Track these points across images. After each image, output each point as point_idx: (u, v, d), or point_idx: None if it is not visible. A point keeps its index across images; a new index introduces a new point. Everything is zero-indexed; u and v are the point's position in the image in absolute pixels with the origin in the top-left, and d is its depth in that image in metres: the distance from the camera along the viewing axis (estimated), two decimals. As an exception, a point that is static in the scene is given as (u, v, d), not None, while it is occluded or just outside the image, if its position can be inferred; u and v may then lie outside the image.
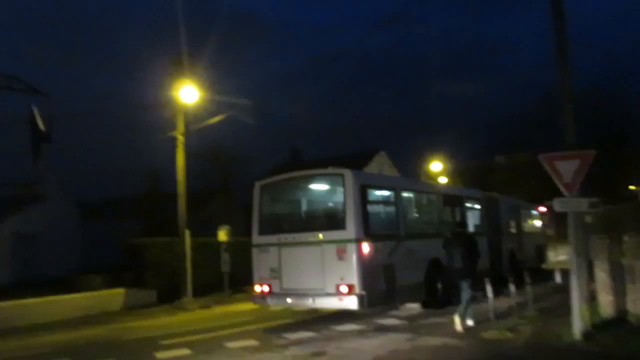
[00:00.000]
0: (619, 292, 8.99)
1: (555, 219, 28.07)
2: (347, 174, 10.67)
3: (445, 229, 12.46)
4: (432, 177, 47.28)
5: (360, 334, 9.80)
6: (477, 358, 7.55)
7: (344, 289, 9.87)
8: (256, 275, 11.36)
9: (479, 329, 9.40)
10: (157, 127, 18.77)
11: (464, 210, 15.14)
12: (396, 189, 12.35)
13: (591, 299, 9.48)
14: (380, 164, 39.85)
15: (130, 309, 15.39)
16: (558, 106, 9.37)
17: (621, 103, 41.77)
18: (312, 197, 12.47)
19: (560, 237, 26.16)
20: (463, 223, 11.77)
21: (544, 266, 21.13)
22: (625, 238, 8.59)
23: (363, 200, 10.57)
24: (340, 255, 10.03)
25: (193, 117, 17.86)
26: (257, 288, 11.26)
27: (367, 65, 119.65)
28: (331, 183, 11.68)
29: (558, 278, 15.80)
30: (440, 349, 8.15)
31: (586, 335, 7.94)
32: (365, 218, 10.45)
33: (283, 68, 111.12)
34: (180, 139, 17.47)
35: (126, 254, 19.00)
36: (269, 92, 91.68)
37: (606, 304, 9.70)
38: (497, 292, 10.65)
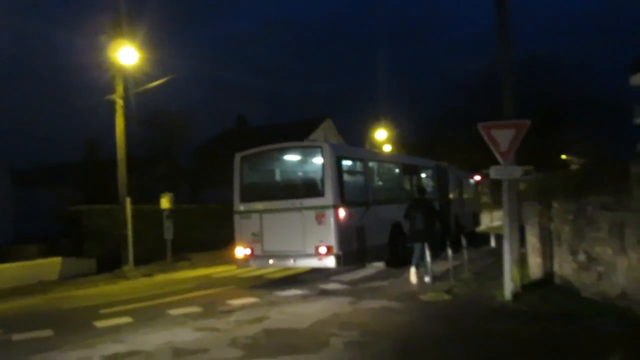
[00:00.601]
0: (547, 255, 9.54)
1: (492, 186, 29.45)
2: (325, 146, 11.63)
3: (405, 195, 13.45)
4: (377, 145, 47.92)
5: (303, 298, 9.96)
6: (414, 318, 7.86)
7: (322, 249, 10.91)
8: (238, 239, 12.14)
9: (417, 292, 9.78)
10: (94, 90, 17.95)
11: (419, 178, 16.27)
12: (365, 160, 13.36)
13: (522, 261, 10.03)
14: (326, 131, 39.98)
15: (68, 279, 14.92)
16: (498, 78, 9.65)
17: (556, 76, 43.45)
18: (291, 167, 13.38)
19: (496, 204, 27.46)
20: (423, 190, 12.51)
21: (477, 229, 22.49)
22: (554, 204, 9.07)
23: (339, 170, 11.45)
24: (319, 219, 11.01)
25: (133, 81, 17.17)
26: (239, 252, 12.04)
27: (315, 33, 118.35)
28: (310, 154, 12.55)
29: (493, 242, 16.56)
30: (380, 311, 8.43)
31: (516, 295, 8.42)
32: (341, 186, 11.36)
33: (231, 32, 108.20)
34: (119, 102, 16.79)
35: (63, 223, 18.32)
36: (216, 56, 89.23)
37: (535, 266, 10.28)
38: (435, 256, 11.17)
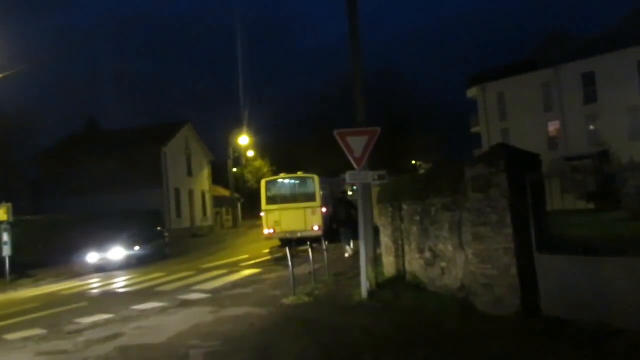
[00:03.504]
0: (399, 254, 10.23)
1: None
2: (315, 177, 21.66)
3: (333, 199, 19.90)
4: (240, 150, 47.55)
5: (162, 311, 9.53)
6: (276, 322, 7.93)
7: (316, 227, 20.41)
8: (265, 225, 21.49)
9: (280, 296, 9.88)
10: None
11: (333, 188, 23.16)
12: (327, 184, 22.54)
13: (377, 261, 10.64)
14: (187, 137, 38.81)
15: None
16: (351, 85, 10.15)
17: (404, 87, 47.01)
18: (295, 186, 22.68)
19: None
20: (344, 192, 18.78)
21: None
22: (404, 206, 9.76)
23: (321, 189, 21.33)
24: (314, 212, 20.77)
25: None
26: (267, 231, 21.39)
27: (166, 31, 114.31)
28: (306, 181, 22.05)
29: (351, 246, 17.36)
30: (242, 318, 8.36)
31: (371, 293, 8.89)
32: (322, 197, 21.10)
33: (76, 26, 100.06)
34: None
35: None
36: (61, 53, 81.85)
37: (389, 265, 10.94)
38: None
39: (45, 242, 20.36)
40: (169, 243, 23.61)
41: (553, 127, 35.89)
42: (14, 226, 16.59)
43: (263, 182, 22.64)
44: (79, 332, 8.24)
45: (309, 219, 20.54)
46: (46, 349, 7.31)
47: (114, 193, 31.28)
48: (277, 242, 21.36)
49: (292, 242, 17.58)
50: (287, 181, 22.93)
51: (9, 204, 16.42)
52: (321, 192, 21.09)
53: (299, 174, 22.97)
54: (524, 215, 6.36)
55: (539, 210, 6.57)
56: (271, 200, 21.79)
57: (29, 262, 18.18)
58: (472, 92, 40.89)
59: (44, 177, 35.50)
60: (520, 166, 6.58)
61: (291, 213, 20.85)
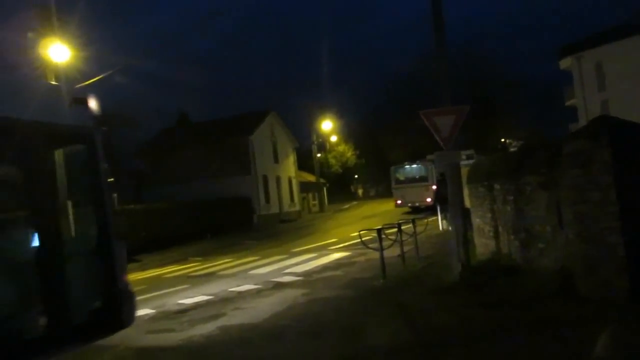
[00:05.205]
0: (491, 235, 9.91)
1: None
2: (428, 163, 26.70)
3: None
4: (324, 136, 47.98)
5: (257, 293, 9.93)
6: (366, 304, 7.99)
7: (428, 199, 27.52)
8: (395, 198, 31.52)
9: (370, 279, 9.94)
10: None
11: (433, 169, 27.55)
12: (428, 168, 29.08)
13: (469, 243, 10.36)
14: (272, 125, 39.75)
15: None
16: (435, 65, 9.87)
17: (491, 61, 44.92)
18: (414, 170, 31.09)
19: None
20: (442, 174, 19.93)
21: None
22: (496, 186, 9.42)
23: (432, 171, 27.02)
24: (427, 189, 28.25)
25: (65, 78, 16.42)
26: (397, 202, 31.02)
27: (251, 22, 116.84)
28: (421, 166, 30.17)
29: (441, 225, 17.05)
30: (334, 300, 8.51)
31: (463, 276, 8.67)
32: (433, 177, 25.70)
33: (160, 26, 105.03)
34: (54, 102, 16.05)
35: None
36: (147, 51, 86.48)
37: (481, 246, 10.65)
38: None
39: (147, 229, 21.80)
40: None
41: (661, 95, 32.91)
42: (119, 215, 17.92)
43: (392, 168, 32.62)
44: (183, 312, 8.81)
45: (424, 194, 28.81)
46: (155, 327, 7.88)
47: (207, 181, 32.88)
48: (367, 226, 21.47)
49: (416, 208, 28.97)
50: (408, 167, 31.72)
51: (115, 194, 17.75)
52: (433, 174, 26.67)
53: (417, 162, 30.91)
54: (631, 192, 5.92)
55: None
56: (398, 181, 31.51)
57: (134, 248, 19.57)
58: (565, 63, 38.40)
59: (144, 168, 37.99)
60: (625, 140, 6.11)
61: (412, 189, 30.05)
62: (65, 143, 5.38)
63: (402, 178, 31.26)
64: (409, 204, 29.98)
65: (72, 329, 4.84)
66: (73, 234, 5.53)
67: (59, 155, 5.30)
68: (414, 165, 31.07)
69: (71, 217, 5.53)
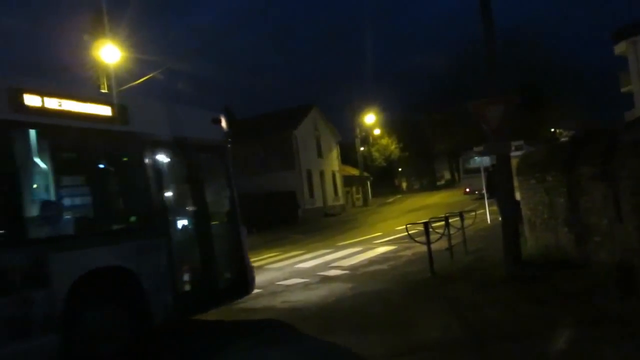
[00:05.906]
0: (543, 228, 9.63)
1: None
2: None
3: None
4: (367, 129, 47.80)
5: (305, 286, 10.02)
6: (414, 298, 7.86)
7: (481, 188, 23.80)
8: (464, 186, 33.73)
9: (417, 273, 9.86)
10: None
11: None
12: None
13: (519, 236, 10.11)
14: (315, 120, 39.89)
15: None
16: (482, 55, 9.63)
17: (540, 48, 43.44)
18: (483, 160, 26.14)
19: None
20: (494, 165, 21.43)
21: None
22: (548, 177, 9.14)
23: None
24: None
25: (115, 78, 17.03)
26: (465, 191, 33.17)
27: (291, 19, 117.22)
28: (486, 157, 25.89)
29: (489, 219, 16.71)
30: (381, 294, 8.48)
31: (514, 270, 8.49)
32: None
33: (203, 25, 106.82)
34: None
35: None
36: (190, 50, 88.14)
37: (532, 239, 10.37)
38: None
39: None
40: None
41: None
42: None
43: (461, 159, 36.74)
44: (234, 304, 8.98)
45: (480, 184, 30.30)
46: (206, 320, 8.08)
47: (252, 177, 33.37)
48: (412, 219, 21.44)
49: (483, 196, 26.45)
50: (477, 157, 33.70)
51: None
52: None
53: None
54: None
55: None
56: (466, 171, 33.81)
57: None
58: (620, 48, 36.72)
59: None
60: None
61: (478, 178, 29.01)
62: (211, 153, 7.65)
63: (469, 168, 32.83)
64: (476, 192, 30.85)
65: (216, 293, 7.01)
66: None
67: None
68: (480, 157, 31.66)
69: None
